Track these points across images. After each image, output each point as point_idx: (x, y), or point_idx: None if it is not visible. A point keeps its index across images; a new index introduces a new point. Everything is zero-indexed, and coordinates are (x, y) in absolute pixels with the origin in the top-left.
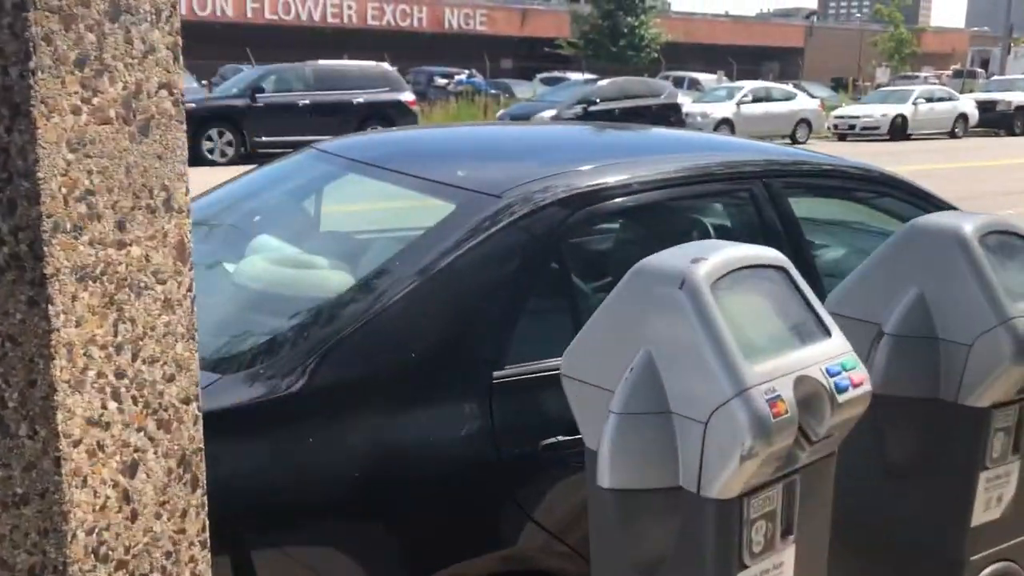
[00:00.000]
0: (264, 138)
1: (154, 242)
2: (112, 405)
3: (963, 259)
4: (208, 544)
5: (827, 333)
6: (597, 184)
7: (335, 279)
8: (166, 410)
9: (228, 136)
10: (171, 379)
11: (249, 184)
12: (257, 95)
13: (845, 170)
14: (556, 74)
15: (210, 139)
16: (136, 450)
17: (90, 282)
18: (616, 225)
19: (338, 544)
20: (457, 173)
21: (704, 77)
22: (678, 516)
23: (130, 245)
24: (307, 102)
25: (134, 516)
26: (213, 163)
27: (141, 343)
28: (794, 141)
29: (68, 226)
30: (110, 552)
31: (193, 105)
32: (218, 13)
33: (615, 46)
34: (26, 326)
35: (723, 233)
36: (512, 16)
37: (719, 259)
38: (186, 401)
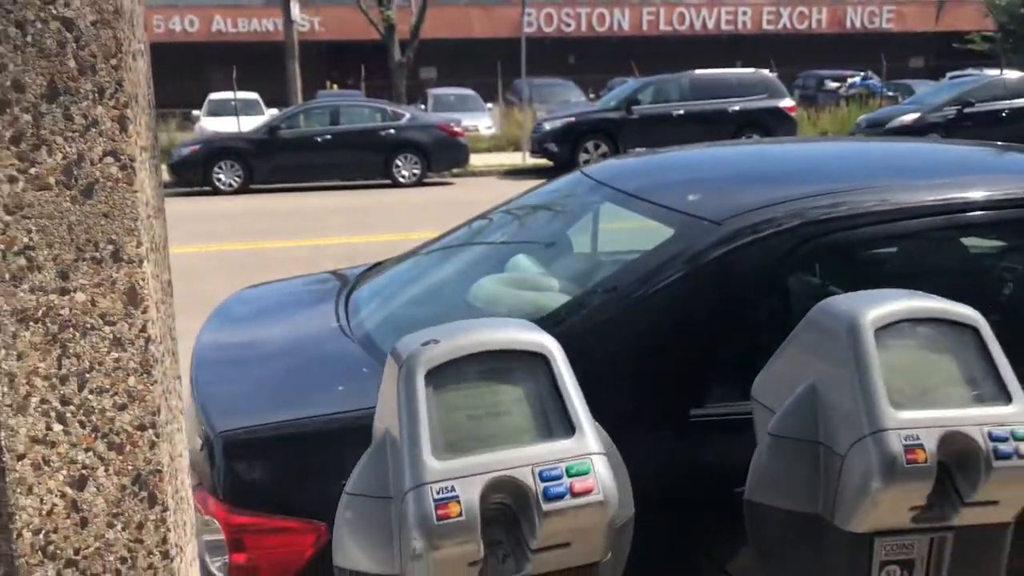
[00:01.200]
0: (638, 149)
1: (101, 289)
2: (57, 427)
3: (851, 351)
4: (173, 553)
5: (570, 431)
6: (829, 213)
7: (551, 302)
8: (118, 434)
9: (603, 148)
10: (123, 408)
11: (526, 203)
12: (633, 107)
13: None
14: (970, 71)
15: (586, 151)
16: (85, 467)
17: (31, 323)
18: (847, 260)
19: None
20: (687, 198)
21: None
22: None
23: (74, 292)
24: (681, 112)
25: (84, 523)
26: None
27: (88, 376)
28: None
29: (7, 276)
30: (58, 551)
31: (573, 119)
32: (615, 28)
33: None
34: None
35: (980, 276)
36: (925, 11)
37: (458, 342)
38: (141, 428)
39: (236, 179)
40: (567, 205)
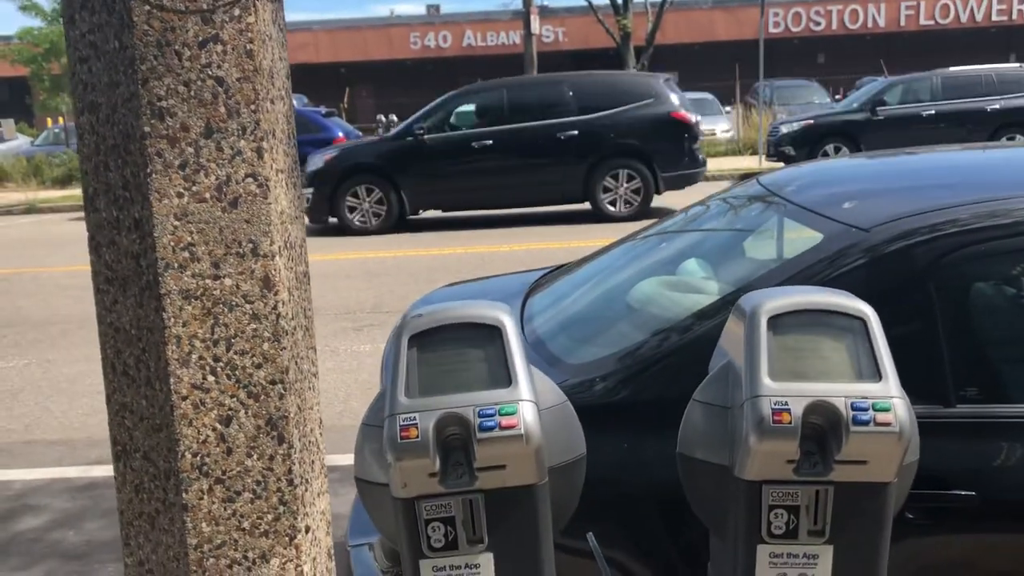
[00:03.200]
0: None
1: (243, 276)
2: (211, 378)
3: (748, 335)
4: (297, 483)
5: (508, 383)
6: (975, 223)
7: (696, 305)
8: (254, 386)
9: (844, 151)
10: (259, 366)
11: (706, 209)
12: (878, 108)
13: None
14: None
15: (826, 154)
16: (230, 409)
17: (193, 299)
18: (992, 270)
19: (628, 545)
20: (843, 205)
21: None
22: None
23: (223, 278)
24: (932, 112)
25: (229, 452)
26: None
27: (233, 340)
28: None
29: (176, 265)
30: (210, 471)
31: (812, 121)
32: (869, 24)
33: None
34: (155, 323)
35: None
36: None
37: (436, 316)
38: (272, 383)
39: None
40: (741, 212)
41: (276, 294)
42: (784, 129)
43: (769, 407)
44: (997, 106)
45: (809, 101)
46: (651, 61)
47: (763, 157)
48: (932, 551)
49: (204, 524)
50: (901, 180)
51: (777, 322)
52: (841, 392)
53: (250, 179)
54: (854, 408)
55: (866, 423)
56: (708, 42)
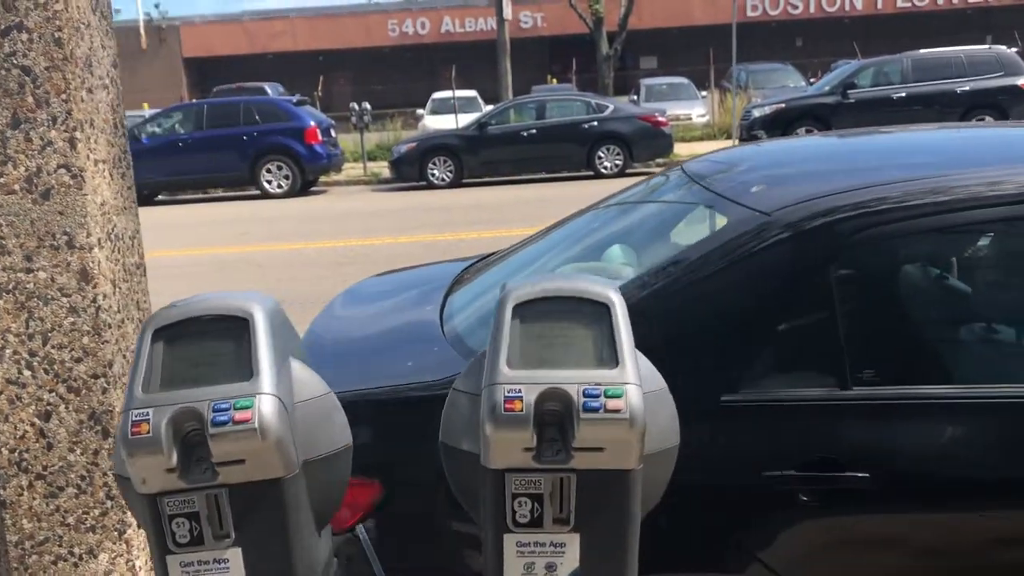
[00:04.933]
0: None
1: (58, 269)
2: (27, 372)
3: (495, 321)
4: None
5: (250, 376)
6: (878, 206)
7: None
8: (75, 381)
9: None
10: (79, 360)
11: (633, 195)
12: (848, 91)
13: None
14: None
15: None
16: (49, 404)
17: (4, 293)
18: (888, 252)
19: None
20: (751, 189)
21: None
22: None
23: (36, 271)
24: (902, 95)
25: (49, 447)
26: None
27: (50, 334)
28: None
29: None
30: (29, 467)
31: (783, 105)
32: (846, 7)
33: None
34: None
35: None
36: None
37: (186, 308)
38: (94, 376)
39: (448, 174)
40: (666, 198)
41: (95, 287)
42: (756, 113)
43: (502, 395)
44: (967, 88)
45: (783, 84)
46: (626, 46)
47: (736, 141)
48: (826, 533)
49: (25, 520)
50: (819, 164)
51: (524, 309)
52: (576, 379)
53: (63, 170)
54: (586, 395)
55: (596, 409)
56: (685, 26)
